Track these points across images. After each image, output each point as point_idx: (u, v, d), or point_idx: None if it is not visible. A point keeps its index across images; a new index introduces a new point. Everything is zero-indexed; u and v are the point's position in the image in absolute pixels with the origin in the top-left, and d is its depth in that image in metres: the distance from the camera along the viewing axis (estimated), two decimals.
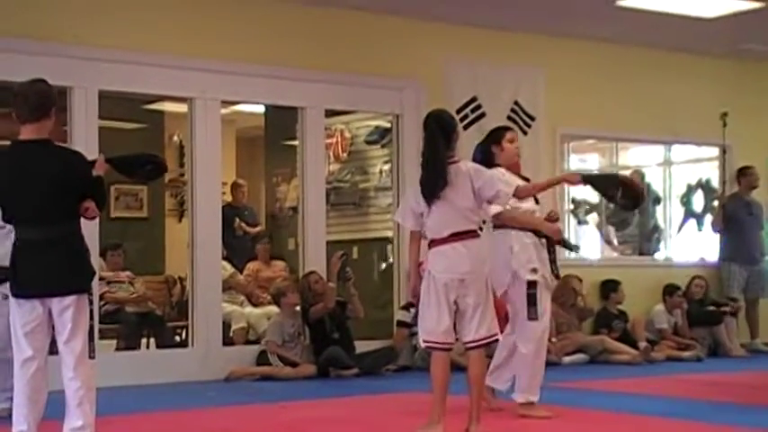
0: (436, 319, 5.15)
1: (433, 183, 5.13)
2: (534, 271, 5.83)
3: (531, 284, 5.83)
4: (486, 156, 5.98)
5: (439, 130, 5.21)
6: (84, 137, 7.79)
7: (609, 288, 10.27)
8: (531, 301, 5.81)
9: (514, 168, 6.01)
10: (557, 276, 6.06)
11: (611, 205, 11.03)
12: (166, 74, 8.23)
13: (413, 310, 8.77)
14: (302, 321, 8.64)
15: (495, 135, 6.15)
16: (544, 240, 5.93)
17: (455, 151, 5.29)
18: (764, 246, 11.12)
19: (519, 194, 5.69)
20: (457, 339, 5.30)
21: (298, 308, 8.65)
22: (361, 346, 8.78)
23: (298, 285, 8.76)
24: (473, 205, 5.20)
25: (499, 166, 5.89)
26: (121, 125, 10.75)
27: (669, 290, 10.40)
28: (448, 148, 5.20)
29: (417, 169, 5.32)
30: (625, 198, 5.64)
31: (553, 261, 5.99)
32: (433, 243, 5.18)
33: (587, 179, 5.76)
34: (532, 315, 5.82)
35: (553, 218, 6.14)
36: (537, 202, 6.12)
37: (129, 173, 5.11)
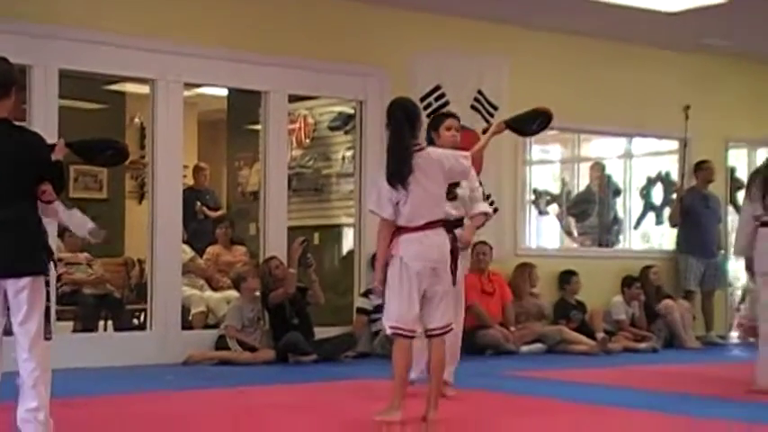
0: (407, 307, 5.16)
1: (401, 170, 5.13)
2: None
3: None
4: (428, 141, 6.00)
5: (404, 118, 5.22)
6: (44, 116, 7.70)
7: (566, 278, 10.33)
8: None
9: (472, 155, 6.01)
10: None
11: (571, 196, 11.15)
12: (129, 54, 8.16)
13: (372, 297, 8.78)
14: (262, 306, 8.61)
15: (435, 121, 6.19)
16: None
17: (419, 139, 5.30)
18: (721, 239, 11.25)
19: (474, 156, 5.74)
20: None
21: (258, 293, 8.63)
22: (321, 333, 8.78)
23: (258, 270, 8.74)
24: (443, 192, 5.26)
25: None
26: (82, 105, 10.65)
27: (627, 281, 10.48)
28: (413, 136, 5.22)
29: (381, 156, 5.32)
30: (541, 125, 5.85)
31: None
32: (404, 230, 5.18)
33: (509, 124, 5.92)
34: None
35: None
36: (455, 198, 6.03)
37: (89, 158, 5.05)
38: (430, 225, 5.18)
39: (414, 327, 5.19)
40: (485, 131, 6.00)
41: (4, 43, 6.91)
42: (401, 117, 5.23)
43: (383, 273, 5.24)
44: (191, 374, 7.68)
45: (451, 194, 5.82)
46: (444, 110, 9.48)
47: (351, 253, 9.69)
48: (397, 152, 5.17)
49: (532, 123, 5.85)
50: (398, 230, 5.20)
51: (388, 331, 5.26)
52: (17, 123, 4.62)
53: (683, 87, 11.08)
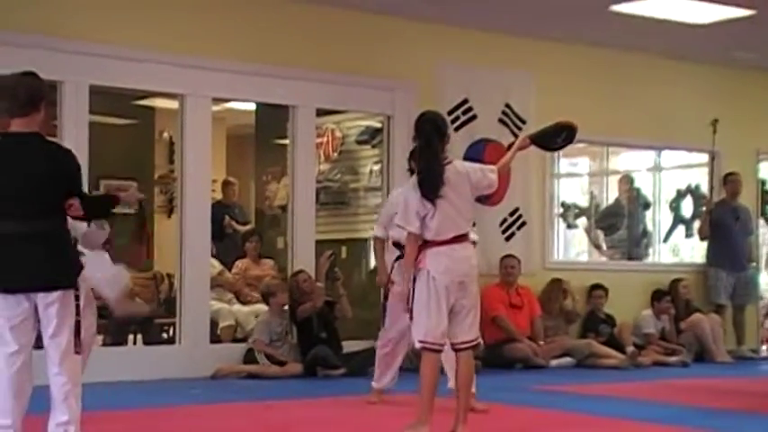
0: (436, 321, 5.14)
1: (434, 183, 5.13)
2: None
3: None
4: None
5: (434, 132, 5.22)
6: (75, 132, 7.75)
7: (595, 292, 10.28)
8: None
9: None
10: None
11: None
12: (158, 70, 8.21)
13: None
14: (290, 320, 8.62)
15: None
16: None
17: (446, 152, 5.31)
18: (752, 252, 11.15)
19: (500, 171, 5.64)
20: None
21: (286, 307, 8.63)
22: (349, 346, 8.77)
23: (286, 284, 8.74)
24: (471, 207, 5.25)
25: None
26: (112, 121, 10.72)
27: (657, 295, 10.42)
28: (442, 149, 5.23)
29: (407, 170, 5.32)
30: (566, 140, 5.81)
31: None
32: (432, 244, 5.17)
33: (534, 139, 5.83)
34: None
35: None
36: None
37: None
38: (457, 239, 5.18)
39: (442, 340, 5.18)
40: (509, 147, 5.97)
41: (35, 59, 6.96)
42: (431, 130, 5.23)
43: (409, 282, 5.24)
44: (219, 388, 7.69)
45: None
46: (472, 123, 9.55)
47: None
48: (431, 166, 5.17)
49: (557, 137, 5.80)
50: (425, 244, 5.19)
51: (417, 345, 5.25)
52: (49, 138, 4.66)
53: (711, 100, 11.02)
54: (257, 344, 8.38)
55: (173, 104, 8.94)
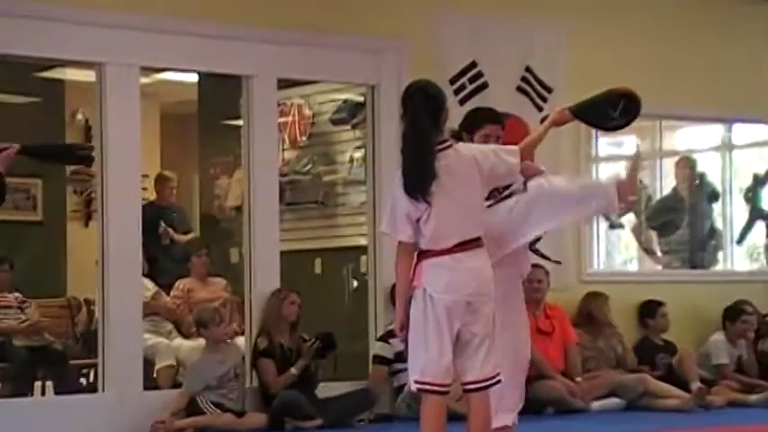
0: (436, 354, 5.12)
1: (420, 176, 5.12)
2: None
3: None
4: (455, 138, 5.95)
5: (422, 108, 5.21)
6: None
7: (650, 311, 10.31)
8: None
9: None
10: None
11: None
12: (68, 31, 8.20)
13: (393, 342, 8.78)
14: (253, 355, 8.64)
15: (471, 122, 5.99)
16: None
17: (444, 134, 5.29)
18: None
19: (524, 156, 5.56)
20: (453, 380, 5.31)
21: (231, 340, 8.64)
22: (328, 390, 8.79)
23: (228, 310, 8.77)
24: (482, 202, 5.24)
25: None
26: (9, 98, 10.70)
27: (731, 313, 10.45)
28: (435, 130, 5.21)
29: (399, 157, 5.31)
30: (625, 115, 5.69)
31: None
32: (429, 254, 5.18)
33: (578, 112, 5.73)
34: None
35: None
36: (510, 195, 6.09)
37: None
38: (463, 246, 5.15)
39: (445, 380, 5.16)
40: (543, 121, 5.91)
41: None
42: (419, 105, 5.23)
43: (405, 311, 5.23)
44: None
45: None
46: (483, 92, 9.56)
47: (365, 284, 9.70)
48: (415, 152, 5.16)
49: (612, 110, 5.64)
50: (422, 254, 5.19)
51: (413, 387, 5.26)
52: None
53: None
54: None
55: (88, 76, 8.93)
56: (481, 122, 5.98)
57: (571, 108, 5.73)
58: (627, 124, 5.80)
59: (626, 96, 5.67)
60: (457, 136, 5.91)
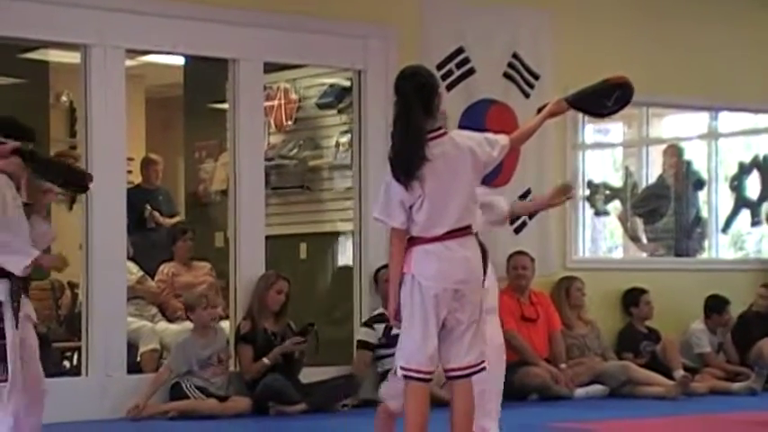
0: (420, 341, 5.14)
1: (407, 162, 5.11)
2: None
3: None
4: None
5: (414, 94, 5.20)
6: None
7: (634, 299, 10.33)
8: None
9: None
10: None
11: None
12: (53, 13, 8.17)
13: (378, 327, 8.78)
14: (235, 339, 8.63)
15: None
16: None
17: (441, 121, 5.28)
18: None
19: (514, 144, 5.65)
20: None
21: (216, 323, 8.64)
22: (312, 374, 8.79)
23: (216, 294, 8.75)
24: (472, 192, 5.25)
25: None
26: None
27: (715, 303, 10.46)
28: (427, 116, 5.20)
29: (387, 142, 5.30)
30: (619, 102, 5.78)
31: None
32: (419, 241, 5.18)
33: (574, 101, 5.82)
34: None
35: (567, 193, 6.28)
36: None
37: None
38: (453, 234, 5.16)
39: (429, 367, 5.17)
40: (539, 111, 5.96)
41: None
42: (410, 91, 5.21)
43: (398, 298, 5.24)
44: None
45: None
46: (470, 78, 9.56)
47: (348, 269, 9.70)
48: (404, 137, 5.16)
49: (606, 99, 5.75)
50: (412, 241, 5.19)
51: (400, 373, 5.26)
52: None
53: None
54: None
55: (73, 58, 8.90)
56: None
57: (567, 99, 5.77)
58: (620, 110, 5.90)
59: (621, 86, 5.73)
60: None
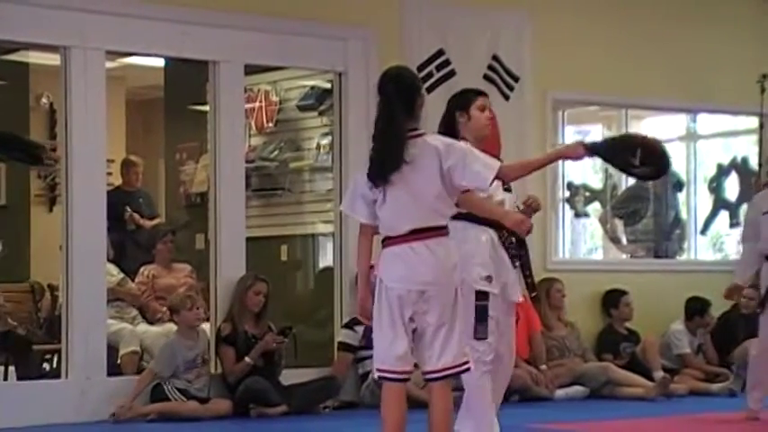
0: (389, 342, 5.14)
1: (384, 161, 5.10)
2: (488, 279, 5.93)
3: (482, 296, 5.91)
4: (448, 125, 6.02)
5: (396, 95, 5.18)
6: None
7: (614, 300, 10.34)
8: (480, 316, 5.90)
9: (487, 146, 5.99)
10: (531, 289, 6.14)
11: (630, 179, 11.09)
12: (33, 15, 8.14)
13: (359, 329, 8.78)
14: (216, 341, 8.62)
15: (461, 100, 6.22)
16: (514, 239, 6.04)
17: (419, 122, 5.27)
18: None
19: (506, 177, 5.63)
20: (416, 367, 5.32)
21: (202, 325, 8.62)
22: (292, 376, 8.78)
23: (198, 296, 8.74)
24: (441, 191, 5.19)
25: (465, 139, 5.90)
26: None
27: (697, 306, 10.47)
28: (409, 118, 5.17)
29: (367, 144, 5.29)
30: (647, 164, 5.51)
31: (525, 267, 6.09)
32: (388, 241, 5.17)
33: (594, 148, 5.57)
34: (480, 334, 5.90)
35: (532, 206, 6.22)
36: (509, 189, 6.17)
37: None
38: (420, 234, 5.15)
39: (403, 367, 5.16)
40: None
41: None
42: (392, 92, 5.20)
43: (364, 293, 5.26)
44: None
45: (507, 185, 6.02)
46: (450, 80, 9.57)
47: (329, 271, 9.69)
48: (384, 138, 5.15)
49: (631, 156, 5.47)
50: (384, 242, 5.20)
51: (376, 374, 5.27)
52: None
53: (761, 49, 11.10)
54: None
55: (53, 60, 8.87)
56: (472, 97, 6.22)
57: (586, 145, 5.60)
58: (659, 175, 5.71)
59: (643, 145, 5.49)
60: (451, 117, 6.01)
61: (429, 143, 5.19)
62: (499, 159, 5.85)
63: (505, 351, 6.25)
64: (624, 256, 11.58)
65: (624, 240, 11.63)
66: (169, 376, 8.34)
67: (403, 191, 5.11)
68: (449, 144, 5.24)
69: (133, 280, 9.74)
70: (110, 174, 9.63)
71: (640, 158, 5.41)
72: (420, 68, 9.31)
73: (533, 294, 6.26)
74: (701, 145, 11.71)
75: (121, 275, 9.54)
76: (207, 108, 9.23)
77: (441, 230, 5.19)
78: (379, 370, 5.20)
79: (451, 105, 6.22)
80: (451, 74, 9.69)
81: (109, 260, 8.98)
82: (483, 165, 5.22)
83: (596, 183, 11.75)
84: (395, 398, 5.18)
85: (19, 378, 9.02)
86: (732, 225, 11.74)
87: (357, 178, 5.21)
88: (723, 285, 10.82)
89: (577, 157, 5.70)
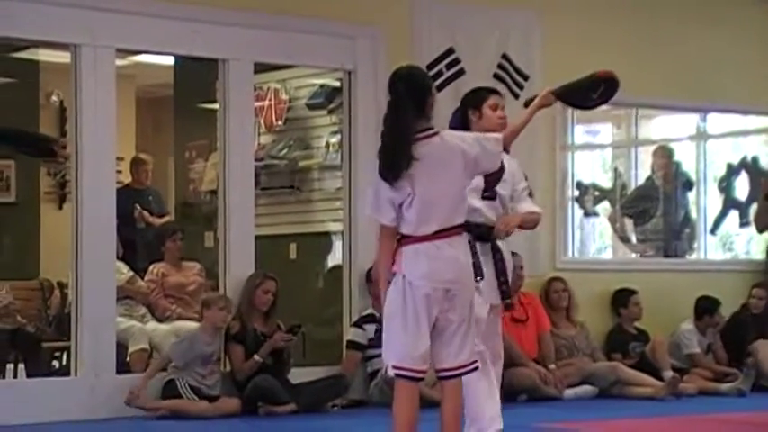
0: (413, 340, 5.13)
1: (393, 161, 5.10)
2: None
3: None
4: (461, 123, 6.05)
5: (407, 94, 5.19)
6: None
7: (623, 300, 10.33)
8: None
9: None
10: (504, 296, 6.13)
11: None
12: (44, 12, 8.14)
13: (368, 328, 8.77)
14: (225, 341, 8.63)
15: (474, 98, 6.26)
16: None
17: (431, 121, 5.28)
18: None
19: (507, 140, 5.77)
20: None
21: (219, 326, 8.64)
22: (301, 375, 8.78)
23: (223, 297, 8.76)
24: (463, 190, 5.25)
25: None
26: None
27: (707, 305, 10.45)
28: (419, 117, 5.18)
29: (376, 142, 5.29)
30: (605, 95, 5.95)
31: (500, 273, 6.11)
32: (409, 240, 5.17)
33: (560, 94, 5.98)
34: None
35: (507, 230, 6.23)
36: (492, 197, 6.14)
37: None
38: (443, 233, 5.15)
39: (422, 366, 5.18)
40: (527, 105, 6.05)
41: None
42: (403, 91, 5.20)
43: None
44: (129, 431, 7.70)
45: (490, 192, 5.91)
46: (460, 79, 9.57)
47: (338, 269, 9.69)
48: (392, 136, 5.15)
49: (592, 92, 5.86)
50: (402, 240, 5.19)
51: (390, 372, 5.25)
52: None
53: None
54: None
55: (63, 58, 8.88)
56: (485, 95, 6.27)
57: (554, 91, 5.87)
58: (604, 103, 6.10)
59: (606, 80, 5.80)
60: (463, 115, 6.04)
61: (449, 142, 5.21)
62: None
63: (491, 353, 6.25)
64: (633, 255, 11.56)
65: (634, 240, 11.61)
66: (182, 368, 8.33)
67: (431, 191, 5.13)
68: (463, 137, 5.34)
69: (142, 278, 9.75)
70: (119, 172, 9.64)
71: (602, 91, 5.90)
72: (429, 67, 9.31)
73: (507, 301, 6.23)
74: (711, 144, 11.69)
75: (131, 273, 9.55)
76: (216, 106, 9.23)
77: (461, 228, 5.22)
78: (396, 368, 5.18)
79: (465, 102, 6.28)
80: (461, 72, 9.69)
81: (118, 258, 9.00)
82: (493, 142, 5.42)
83: (606, 182, 11.75)
84: (408, 396, 5.18)
85: (28, 375, 9.04)
86: (742, 225, 11.73)
87: (378, 183, 5.17)
88: (733, 285, 10.90)
89: (549, 104, 6.14)
